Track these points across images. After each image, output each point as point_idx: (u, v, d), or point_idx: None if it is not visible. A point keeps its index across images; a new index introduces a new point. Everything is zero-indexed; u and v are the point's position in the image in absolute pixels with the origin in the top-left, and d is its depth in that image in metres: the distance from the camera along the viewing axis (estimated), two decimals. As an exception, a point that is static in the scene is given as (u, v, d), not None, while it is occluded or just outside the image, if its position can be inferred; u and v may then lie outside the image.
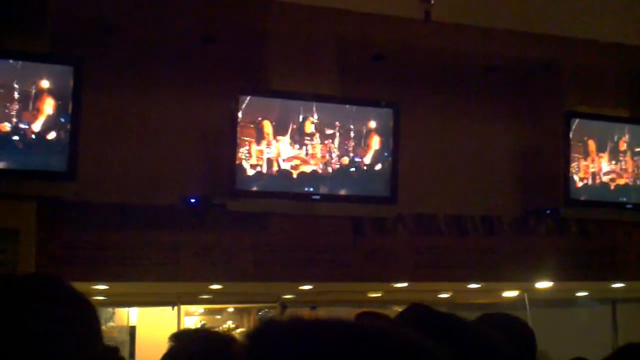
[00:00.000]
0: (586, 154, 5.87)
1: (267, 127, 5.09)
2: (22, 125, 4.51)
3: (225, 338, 1.85)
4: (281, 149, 5.12)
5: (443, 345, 1.14)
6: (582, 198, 5.84)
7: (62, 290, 1.13)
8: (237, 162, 4.97)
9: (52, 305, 1.09)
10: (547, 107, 5.99)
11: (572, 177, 5.79)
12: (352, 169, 5.27)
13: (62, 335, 1.06)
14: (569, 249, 6.03)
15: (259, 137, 5.07)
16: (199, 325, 7.72)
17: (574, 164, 5.79)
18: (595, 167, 5.90)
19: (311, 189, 5.17)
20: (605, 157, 5.95)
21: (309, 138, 5.18)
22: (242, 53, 5.35)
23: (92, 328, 1.13)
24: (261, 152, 5.06)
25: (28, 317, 1.06)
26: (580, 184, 5.84)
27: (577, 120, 5.79)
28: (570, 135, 5.76)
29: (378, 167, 5.31)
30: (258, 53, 5.34)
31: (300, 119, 5.18)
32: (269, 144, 5.09)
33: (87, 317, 1.13)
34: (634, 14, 5.35)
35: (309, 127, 5.20)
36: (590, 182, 5.88)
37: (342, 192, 5.26)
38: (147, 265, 5.02)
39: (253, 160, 5.04)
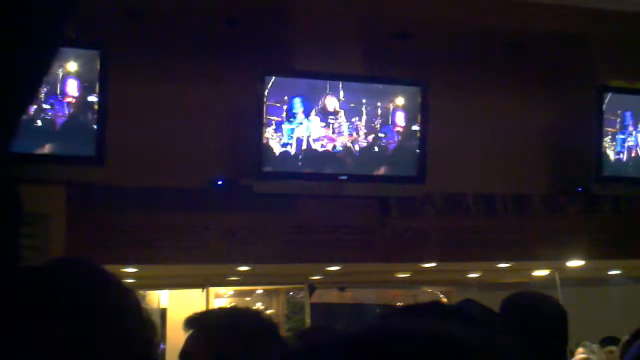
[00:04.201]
0: (619, 129, 5.75)
1: (295, 107, 5.07)
2: (50, 110, 4.54)
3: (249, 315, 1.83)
4: (307, 129, 5.09)
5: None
6: (615, 174, 5.72)
7: (99, 276, 1.13)
8: (264, 143, 4.96)
9: (95, 292, 1.08)
10: (578, 81, 5.86)
11: (605, 153, 5.68)
12: (379, 149, 5.22)
13: (109, 322, 1.06)
14: (600, 227, 5.94)
15: (285, 117, 5.04)
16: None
17: (606, 139, 5.68)
18: (629, 143, 5.78)
19: (338, 170, 5.14)
20: (638, 131, 5.82)
21: (335, 117, 5.14)
22: (266, 34, 5.31)
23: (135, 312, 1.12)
24: (287, 133, 5.04)
25: (74, 304, 1.05)
26: (612, 160, 5.73)
27: (609, 95, 5.66)
28: (603, 110, 5.63)
29: (406, 146, 5.26)
30: (282, 34, 5.31)
31: (326, 98, 5.14)
32: (295, 125, 5.06)
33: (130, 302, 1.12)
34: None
35: (336, 106, 5.16)
36: (622, 158, 5.77)
37: (370, 172, 5.22)
38: (176, 248, 5.05)
39: (279, 142, 5.02)
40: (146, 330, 1.12)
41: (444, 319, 0.59)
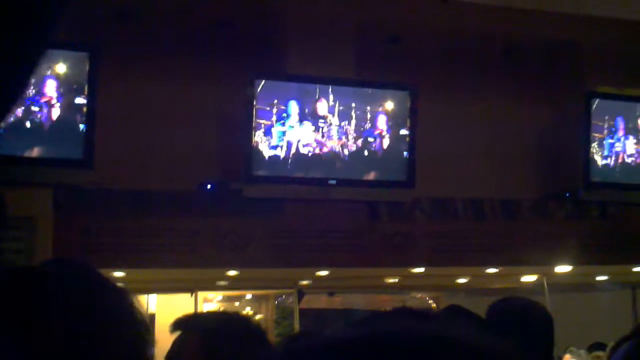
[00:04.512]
0: (606, 135, 5.78)
1: (285, 110, 5.06)
2: (38, 113, 4.51)
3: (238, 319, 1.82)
4: (297, 133, 5.09)
5: None
6: (603, 180, 5.76)
7: (96, 278, 1.13)
8: (253, 147, 4.96)
9: (91, 295, 1.08)
10: (566, 87, 5.90)
11: (592, 159, 5.71)
12: (369, 153, 5.23)
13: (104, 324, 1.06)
14: (588, 232, 5.96)
15: (275, 121, 5.04)
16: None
17: (594, 145, 5.71)
18: (616, 149, 5.82)
19: (327, 174, 5.14)
20: (626, 138, 5.86)
21: (324, 121, 5.15)
22: (258, 37, 5.31)
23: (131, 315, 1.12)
24: (277, 136, 5.04)
25: (70, 305, 1.05)
26: (600, 166, 5.76)
27: (597, 101, 5.70)
28: (591, 116, 5.67)
29: (395, 150, 5.26)
30: (272, 37, 5.31)
31: (316, 102, 5.14)
32: (285, 129, 5.06)
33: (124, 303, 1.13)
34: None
35: (325, 111, 5.16)
36: (610, 164, 5.80)
37: (359, 176, 5.23)
38: (165, 252, 5.03)
39: (269, 146, 5.02)
40: (141, 332, 1.12)
41: (425, 322, 0.59)
